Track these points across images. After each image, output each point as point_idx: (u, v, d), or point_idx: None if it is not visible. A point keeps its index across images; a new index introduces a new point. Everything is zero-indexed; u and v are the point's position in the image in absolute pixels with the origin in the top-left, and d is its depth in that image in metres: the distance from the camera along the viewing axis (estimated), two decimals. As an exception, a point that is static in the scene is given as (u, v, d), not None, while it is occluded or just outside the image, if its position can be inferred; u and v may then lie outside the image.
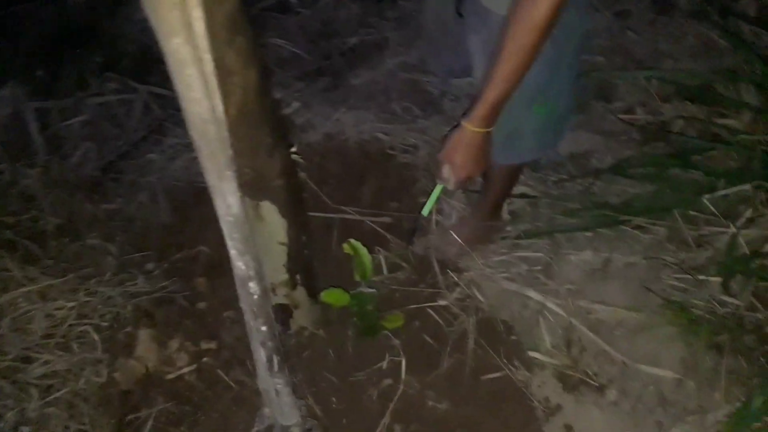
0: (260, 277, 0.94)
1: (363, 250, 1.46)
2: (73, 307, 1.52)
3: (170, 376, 1.42)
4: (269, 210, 1.23)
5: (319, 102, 2.20)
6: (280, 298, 1.38)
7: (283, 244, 1.29)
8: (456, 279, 1.59)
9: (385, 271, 1.63)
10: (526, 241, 1.66)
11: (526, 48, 1.11)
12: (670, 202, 1.67)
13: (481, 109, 1.20)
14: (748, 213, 1.58)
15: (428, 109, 2.15)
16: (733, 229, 1.55)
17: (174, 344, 1.45)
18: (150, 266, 1.70)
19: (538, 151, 1.47)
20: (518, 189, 1.80)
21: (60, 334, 1.48)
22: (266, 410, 1.19)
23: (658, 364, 1.40)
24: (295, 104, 2.20)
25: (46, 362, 1.43)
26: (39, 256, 1.68)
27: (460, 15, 1.33)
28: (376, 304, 1.47)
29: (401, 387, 1.36)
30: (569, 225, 1.69)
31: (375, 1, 2.72)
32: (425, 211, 1.44)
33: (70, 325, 1.50)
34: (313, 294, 1.44)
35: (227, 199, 0.83)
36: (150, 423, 1.34)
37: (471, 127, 1.23)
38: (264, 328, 0.98)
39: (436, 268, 1.61)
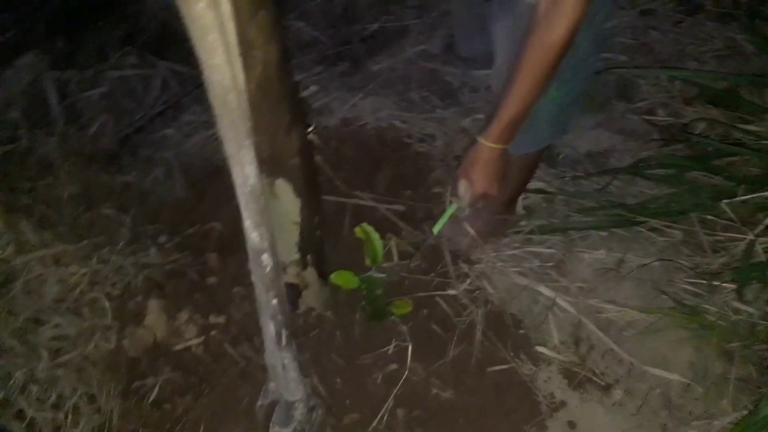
0: (273, 250, 0.94)
1: (375, 235, 1.46)
2: (85, 274, 1.54)
3: (178, 347, 1.43)
4: (284, 188, 1.23)
5: (337, 87, 2.19)
6: (290, 277, 1.38)
7: (295, 223, 1.29)
8: (467, 270, 1.58)
9: (395, 258, 1.63)
10: (539, 237, 1.65)
11: (542, 69, 1.13)
12: (687, 205, 1.64)
13: (496, 127, 1.23)
14: (767, 221, 1.56)
15: (447, 99, 2.13)
16: (750, 236, 1.53)
17: (183, 316, 1.46)
18: (162, 239, 1.71)
19: (552, 136, 1.46)
20: (534, 184, 1.78)
21: (71, 299, 1.50)
22: (271, 385, 1.19)
23: (666, 367, 1.39)
24: (313, 88, 2.19)
25: (57, 326, 1.44)
26: (54, 221, 1.69)
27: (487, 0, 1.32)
28: (385, 289, 1.48)
29: (406, 373, 1.36)
30: (584, 223, 1.68)
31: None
32: (435, 230, 1.44)
33: (82, 291, 1.52)
34: (322, 275, 1.45)
35: (245, 169, 0.83)
36: (155, 391, 1.35)
37: (487, 144, 1.25)
38: (274, 302, 0.98)
39: (448, 258, 1.61)
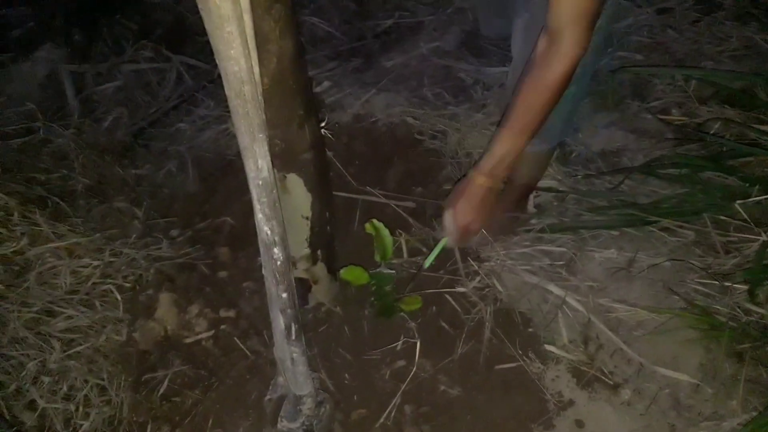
0: (284, 243, 0.94)
1: (384, 231, 1.46)
2: (98, 266, 1.56)
3: (188, 341, 1.44)
4: (295, 183, 1.24)
5: (350, 82, 2.20)
6: (300, 272, 1.39)
7: (306, 218, 1.30)
8: (476, 267, 1.58)
9: (405, 254, 1.63)
10: (550, 236, 1.65)
11: (536, 107, 1.14)
12: (700, 205, 1.63)
13: (488, 162, 1.23)
14: (781, 222, 1.54)
15: (460, 96, 2.13)
16: (764, 237, 1.52)
17: (194, 310, 1.47)
18: (174, 233, 1.72)
19: (563, 133, 1.46)
20: (546, 183, 1.78)
21: (84, 291, 1.52)
22: (280, 379, 1.20)
23: (675, 368, 1.38)
24: (326, 83, 2.20)
25: (69, 317, 1.46)
26: (68, 213, 1.71)
27: None
28: (395, 285, 1.48)
29: (414, 369, 1.36)
30: (595, 222, 1.67)
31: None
32: (426, 264, 1.44)
33: (94, 284, 1.54)
34: (332, 271, 1.45)
35: (258, 162, 0.84)
36: (165, 384, 1.37)
37: (477, 178, 1.25)
38: (284, 295, 0.99)
39: (457, 256, 1.60)
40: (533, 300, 1.52)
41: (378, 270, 1.47)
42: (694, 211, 1.62)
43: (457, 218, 1.32)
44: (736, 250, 1.56)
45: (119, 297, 1.51)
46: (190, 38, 2.54)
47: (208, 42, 0.79)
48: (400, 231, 1.65)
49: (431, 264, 1.43)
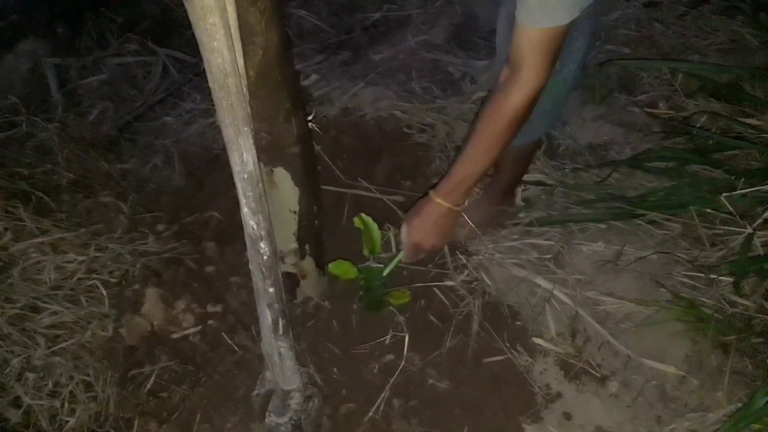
0: (271, 237, 0.94)
1: (373, 225, 1.46)
2: (83, 261, 1.54)
3: (175, 336, 1.43)
4: (282, 177, 1.23)
5: (338, 76, 2.19)
6: (288, 266, 1.38)
7: (294, 212, 1.29)
8: (465, 261, 1.58)
9: (393, 248, 1.62)
10: (538, 229, 1.65)
11: (494, 136, 1.16)
12: (686, 198, 1.64)
13: (446, 184, 1.26)
14: (766, 214, 1.55)
15: (448, 89, 2.13)
16: (749, 230, 1.53)
17: (180, 305, 1.46)
18: (160, 227, 1.71)
19: (547, 126, 1.46)
20: (534, 176, 1.78)
21: (69, 287, 1.50)
22: (268, 374, 1.20)
23: (662, 360, 1.39)
24: (314, 77, 2.19)
25: (54, 313, 1.44)
26: (52, 208, 1.69)
27: None
28: (383, 279, 1.47)
29: (403, 363, 1.36)
30: (583, 215, 1.67)
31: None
32: (385, 273, 1.45)
33: (79, 279, 1.52)
34: (320, 265, 1.45)
35: (243, 156, 0.83)
36: (152, 379, 1.36)
37: (435, 198, 1.28)
38: (271, 290, 0.99)
39: (446, 249, 1.60)
40: (521, 293, 1.53)
41: (366, 264, 1.47)
42: (681, 204, 1.63)
43: (410, 234, 1.35)
44: (722, 242, 1.57)
45: (105, 292, 1.50)
46: (177, 31, 2.51)
47: (194, 35, 0.78)
48: (389, 225, 1.65)
49: (390, 272, 1.45)
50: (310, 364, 1.37)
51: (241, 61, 0.78)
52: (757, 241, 1.51)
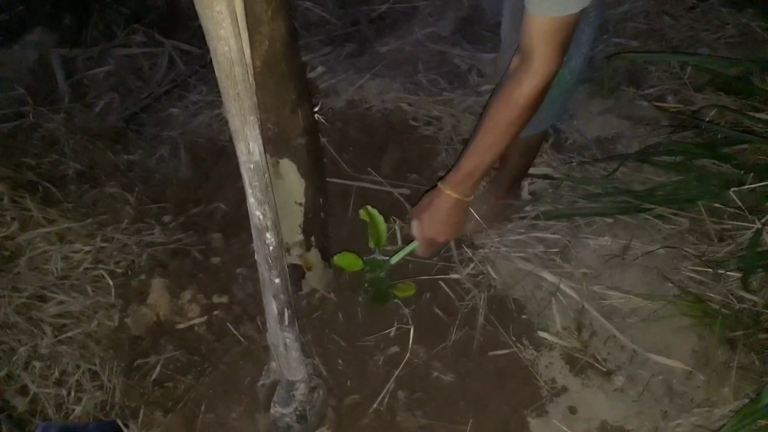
0: (277, 228, 0.93)
1: (379, 217, 1.46)
2: (89, 252, 1.54)
3: (181, 326, 1.43)
4: (289, 168, 1.23)
5: (344, 68, 2.18)
6: (293, 258, 1.38)
7: (300, 204, 1.29)
8: (470, 254, 1.58)
9: (399, 241, 1.62)
10: (544, 223, 1.64)
11: (504, 125, 1.15)
12: (695, 193, 1.63)
13: (455, 176, 1.24)
14: (775, 209, 1.55)
15: (454, 82, 2.12)
16: (757, 225, 1.52)
17: (186, 295, 1.46)
18: (167, 218, 1.71)
19: (554, 118, 1.45)
20: (541, 170, 1.77)
21: (75, 277, 1.51)
22: (273, 364, 1.20)
23: (668, 355, 1.38)
24: (320, 69, 2.18)
25: (61, 302, 1.45)
26: (59, 199, 1.70)
27: None
28: (389, 271, 1.47)
29: (408, 355, 1.36)
30: (590, 209, 1.66)
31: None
32: (393, 261, 1.45)
33: (86, 269, 1.53)
34: (326, 257, 1.44)
35: (250, 145, 0.83)
36: (158, 369, 1.36)
37: (444, 190, 1.27)
38: (277, 281, 0.98)
39: (452, 243, 1.60)
40: (527, 287, 1.52)
41: (372, 256, 1.47)
42: (689, 198, 1.62)
43: (423, 230, 1.33)
44: (730, 237, 1.56)
45: (111, 282, 1.50)
46: (183, 23, 2.51)
47: (200, 26, 0.78)
48: (395, 218, 1.65)
49: (398, 262, 1.44)
50: (316, 356, 1.37)
51: (247, 50, 0.77)
52: (765, 236, 1.50)
